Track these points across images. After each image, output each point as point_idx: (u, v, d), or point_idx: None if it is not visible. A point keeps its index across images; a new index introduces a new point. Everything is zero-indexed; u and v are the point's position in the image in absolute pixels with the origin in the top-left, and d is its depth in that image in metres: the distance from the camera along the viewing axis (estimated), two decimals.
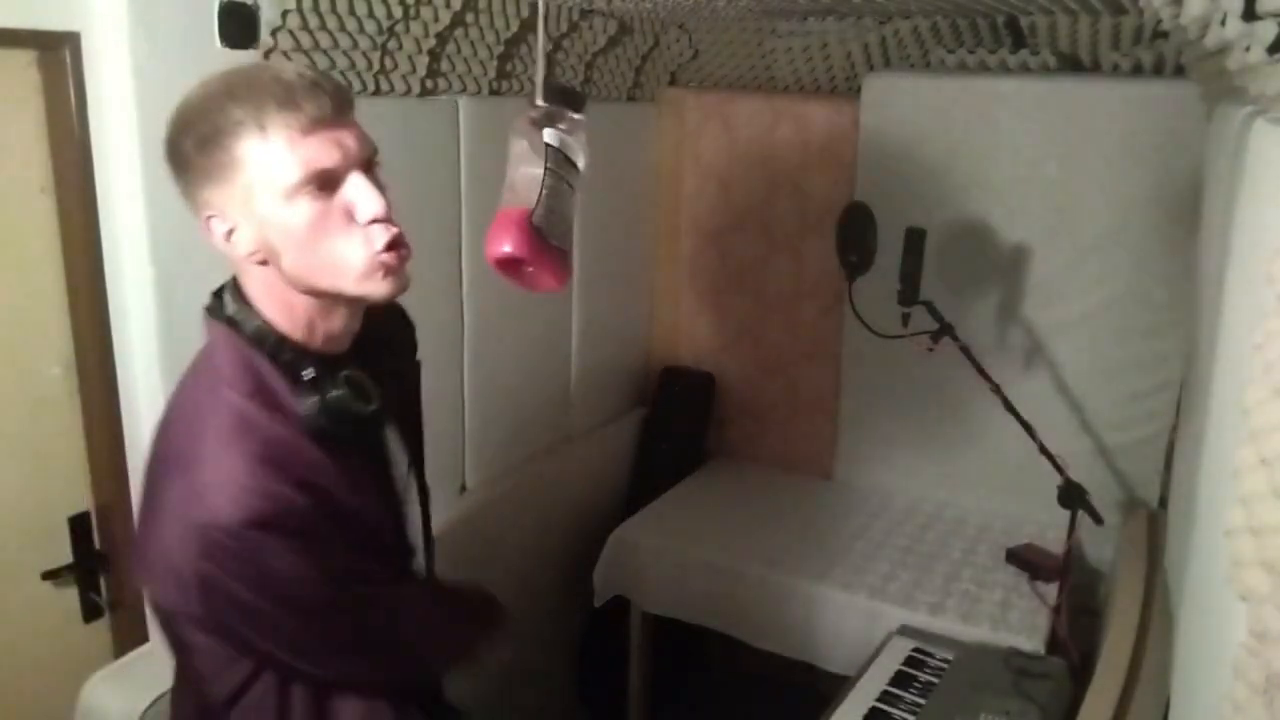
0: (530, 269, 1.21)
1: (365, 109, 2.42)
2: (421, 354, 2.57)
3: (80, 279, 1.91)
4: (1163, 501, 2.73)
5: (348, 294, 1.08)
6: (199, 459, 1.02)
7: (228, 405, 1.05)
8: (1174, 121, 2.61)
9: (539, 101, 1.15)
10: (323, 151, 1.02)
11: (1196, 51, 1.82)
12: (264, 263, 1.07)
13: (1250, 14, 1.26)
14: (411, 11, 2.30)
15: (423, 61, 2.45)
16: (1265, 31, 1.25)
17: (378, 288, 1.08)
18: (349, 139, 1.05)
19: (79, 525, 1.97)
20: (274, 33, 2.05)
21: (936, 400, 3.09)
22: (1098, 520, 2.37)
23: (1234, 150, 1.51)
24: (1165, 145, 2.65)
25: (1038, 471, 2.48)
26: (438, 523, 2.51)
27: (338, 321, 1.14)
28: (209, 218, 1.06)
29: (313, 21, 2.11)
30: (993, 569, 2.77)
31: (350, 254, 1.05)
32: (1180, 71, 2.52)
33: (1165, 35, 2.36)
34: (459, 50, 2.55)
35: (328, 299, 1.10)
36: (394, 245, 1.08)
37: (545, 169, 1.13)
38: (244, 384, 1.07)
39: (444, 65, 2.54)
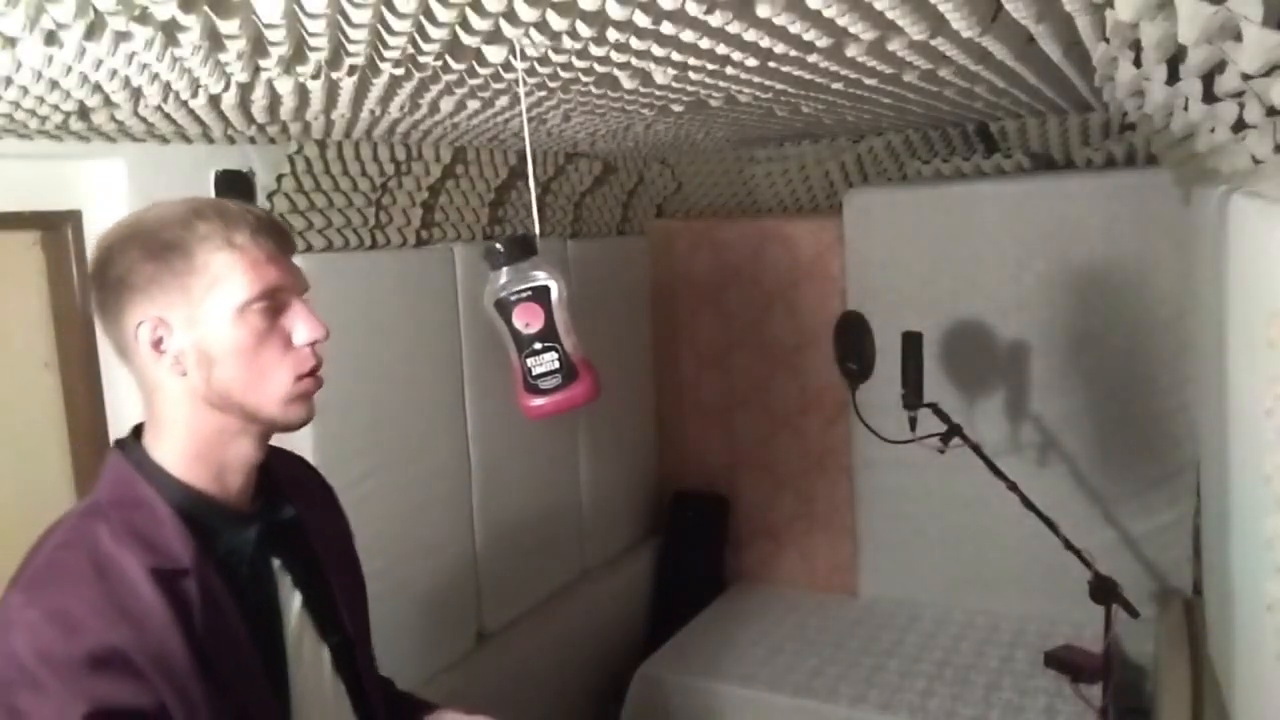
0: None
1: (362, 262, 2.48)
2: (429, 499, 2.54)
3: (85, 453, 1.91)
4: (1197, 588, 2.66)
5: (264, 414, 1.10)
6: (21, 582, 1.02)
7: (82, 536, 1.04)
8: (1151, 208, 2.66)
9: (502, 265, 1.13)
10: (279, 275, 1.10)
11: (1165, 139, 1.88)
12: (184, 374, 1.08)
13: (1210, 96, 1.30)
14: (403, 167, 2.38)
15: (416, 214, 2.52)
16: (1227, 112, 1.29)
17: (294, 412, 1.12)
18: (297, 271, 1.14)
19: None
20: (270, 196, 2.12)
21: (954, 503, 3.05)
22: (1133, 614, 2.30)
23: (1215, 228, 1.53)
24: (1146, 232, 2.69)
25: (1066, 568, 2.42)
26: (457, 672, 2.43)
27: (236, 452, 1.12)
28: (139, 325, 1.07)
29: (307, 183, 2.18)
30: (1033, 675, 2.68)
31: (280, 375, 1.10)
32: (1152, 160, 2.59)
33: (1133, 127, 2.43)
34: (451, 200, 2.63)
35: (239, 422, 1.11)
36: (314, 371, 1.13)
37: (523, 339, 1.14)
38: (118, 515, 1.06)
39: (438, 215, 2.61)
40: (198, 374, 1.07)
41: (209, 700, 1.01)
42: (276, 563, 1.15)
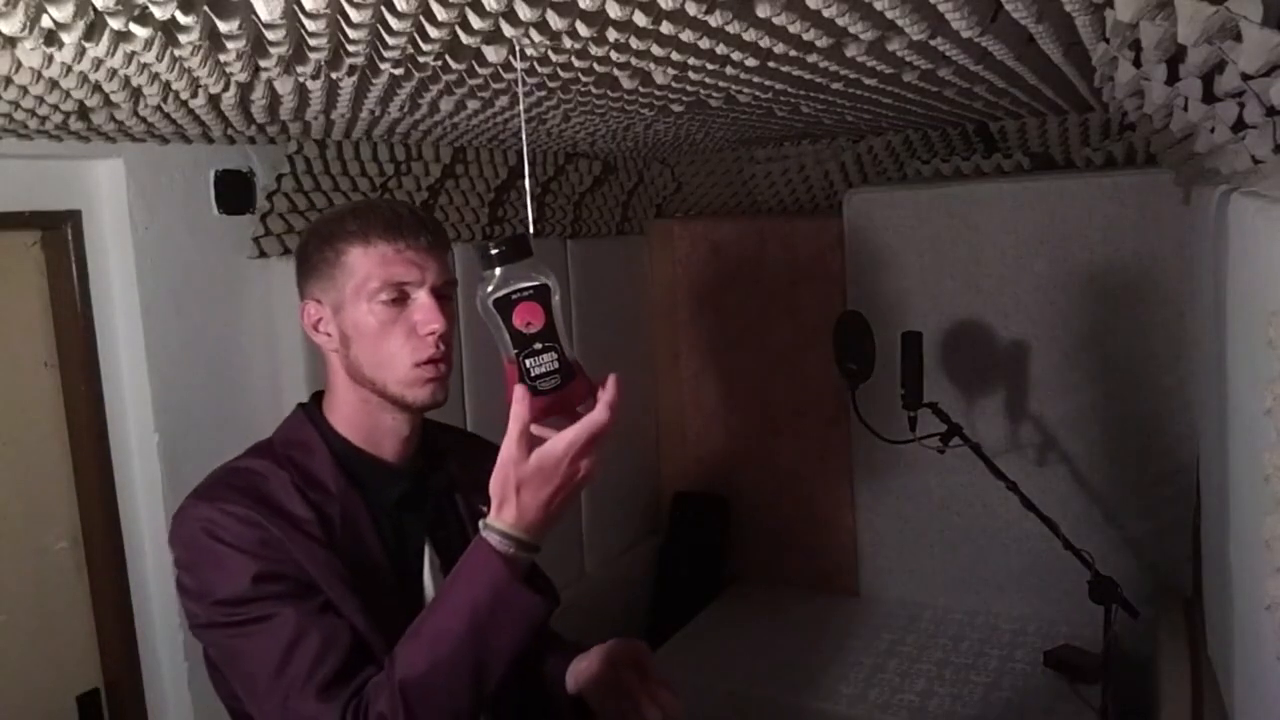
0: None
1: None
2: None
3: (85, 450, 1.91)
4: (1197, 588, 2.66)
5: (390, 392, 1.24)
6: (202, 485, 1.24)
7: (249, 461, 1.25)
8: (1151, 208, 2.66)
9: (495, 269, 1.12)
10: (405, 270, 1.22)
11: (1165, 139, 1.88)
12: (336, 350, 1.26)
13: (1210, 96, 1.30)
14: (403, 167, 2.38)
15: None
16: (1227, 112, 1.29)
17: (416, 394, 1.24)
18: (430, 266, 1.24)
19: (89, 703, 1.91)
20: (270, 196, 2.12)
21: (955, 503, 3.05)
22: (1133, 614, 2.30)
23: (1215, 227, 1.54)
24: (1146, 232, 2.69)
25: (1066, 568, 2.43)
26: None
27: (384, 423, 1.28)
28: (305, 304, 1.27)
29: (306, 183, 2.18)
30: (1032, 675, 2.68)
31: (401, 359, 1.22)
32: (1152, 160, 2.58)
33: (1133, 127, 2.43)
34: (451, 200, 2.63)
35: (376, 396, 1.25)
36: (434, 359, 1.23)
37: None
38: (282, 449, 1.26)
39: (437, 215, 2.61)
40: (343, 350, 1.25)
41: (342, 599, 1.15)
42: (430, 513, 1.31)
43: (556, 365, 1.09)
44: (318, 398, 1.33)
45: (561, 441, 1.06)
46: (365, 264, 1.21)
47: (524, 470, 1.08)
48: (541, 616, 1.12)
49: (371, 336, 1.22)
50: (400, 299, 1.22)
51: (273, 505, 1.19)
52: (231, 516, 1.16)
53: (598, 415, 1.07)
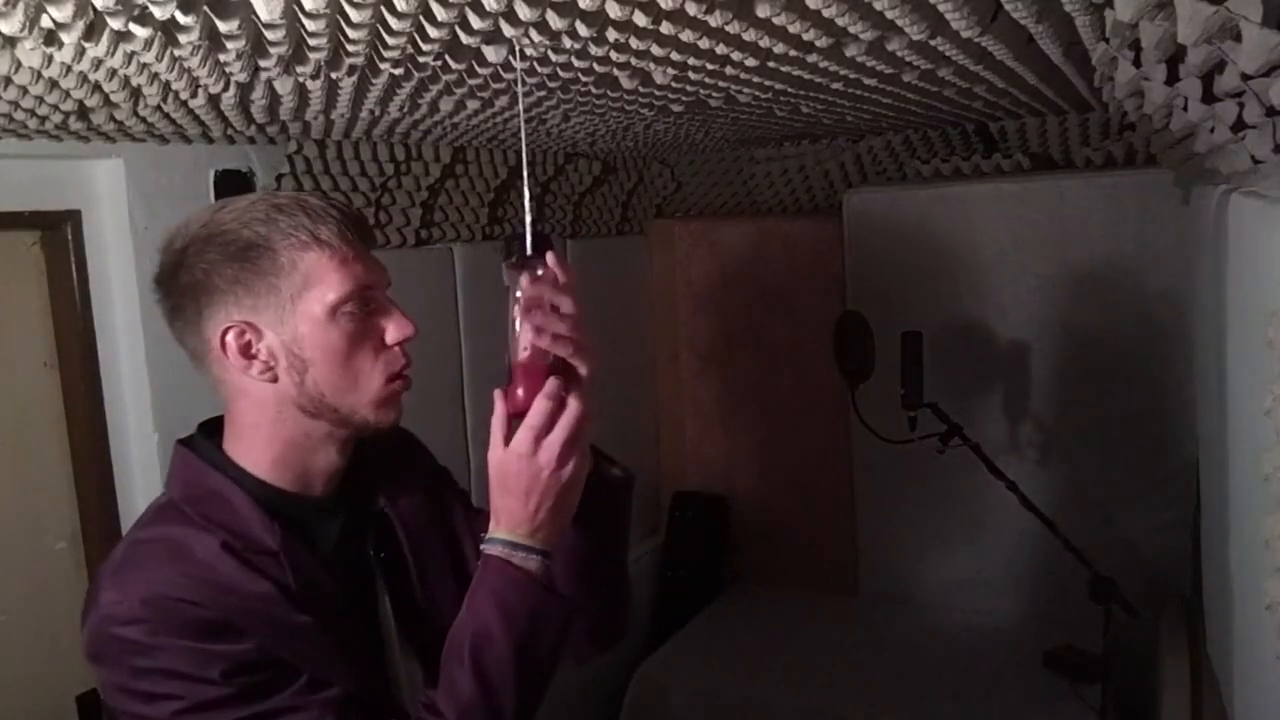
0: None
1: None
2: None
3: (85, 451, 1.91)
4: (1196, 588, 2.65)
5: (356, 418, 1.09)
6: (113, 563, 1.03)
7: (156, 528, 1.04)
8: (1152, 208, 2.66)
9: (514, 259, 1.13)
10: (367, 273, 1.07)
11: (1164, 139, 1.87)
12: (274, 380, 1.05)
13: (1210, 96, 1.30)
14: (403, 168, 2.38)
15: (416, 214, 2.52)
16: (1226, 112, 1.28)
17: (387, 415, 1.11)
18: (379, 265, 1.11)
19: (89, 703, 1.91)
20: None
21: (954, 503, 3.05)
22: (1133, 614, 2.30)
23: (1215, 227, 1.53)
24: (1146, 232, 2.69)
25: (1066, 568, 2.43)
26: None
27: (323, 459, 1.11)
28: (224, 330, 1.03)
29: (307, 183, 2.18)
30: (1032, 675, 2.67)
31: (373, 377, 1.08)
32: (1152, 160, 2.58)
33: (1133, 127, 2.43)
34: (450, 200, 2.63)
35: (327, 426, 1.09)
36: (405, 370, 1.12)
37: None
38: (192, 508, 1.06)
39: (437, 216, 2.61)
40: (289, 378, 1.05)
41: (329, 667, 1.01)
42: (371, 553, 1.16)
43: (506, 365, 1.11)
44: (211, 435, 1.11)
45: (512, 443, 1.04)
46: (323, 270, 1.03)
47: (492, 470, 1.06)
48: (570, 620, 1.06)
49: (340, 356, 1.05)
50: (366, 307, 1.08)
51: (208, 578, 0.98)
52: (164, 606, 0.95)
53: (533, 408, 1.04)
